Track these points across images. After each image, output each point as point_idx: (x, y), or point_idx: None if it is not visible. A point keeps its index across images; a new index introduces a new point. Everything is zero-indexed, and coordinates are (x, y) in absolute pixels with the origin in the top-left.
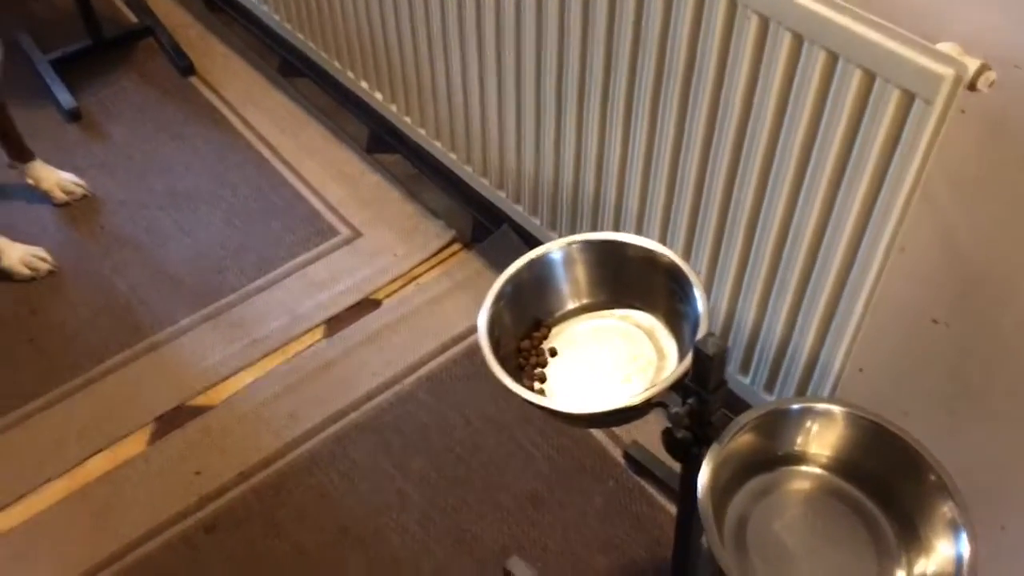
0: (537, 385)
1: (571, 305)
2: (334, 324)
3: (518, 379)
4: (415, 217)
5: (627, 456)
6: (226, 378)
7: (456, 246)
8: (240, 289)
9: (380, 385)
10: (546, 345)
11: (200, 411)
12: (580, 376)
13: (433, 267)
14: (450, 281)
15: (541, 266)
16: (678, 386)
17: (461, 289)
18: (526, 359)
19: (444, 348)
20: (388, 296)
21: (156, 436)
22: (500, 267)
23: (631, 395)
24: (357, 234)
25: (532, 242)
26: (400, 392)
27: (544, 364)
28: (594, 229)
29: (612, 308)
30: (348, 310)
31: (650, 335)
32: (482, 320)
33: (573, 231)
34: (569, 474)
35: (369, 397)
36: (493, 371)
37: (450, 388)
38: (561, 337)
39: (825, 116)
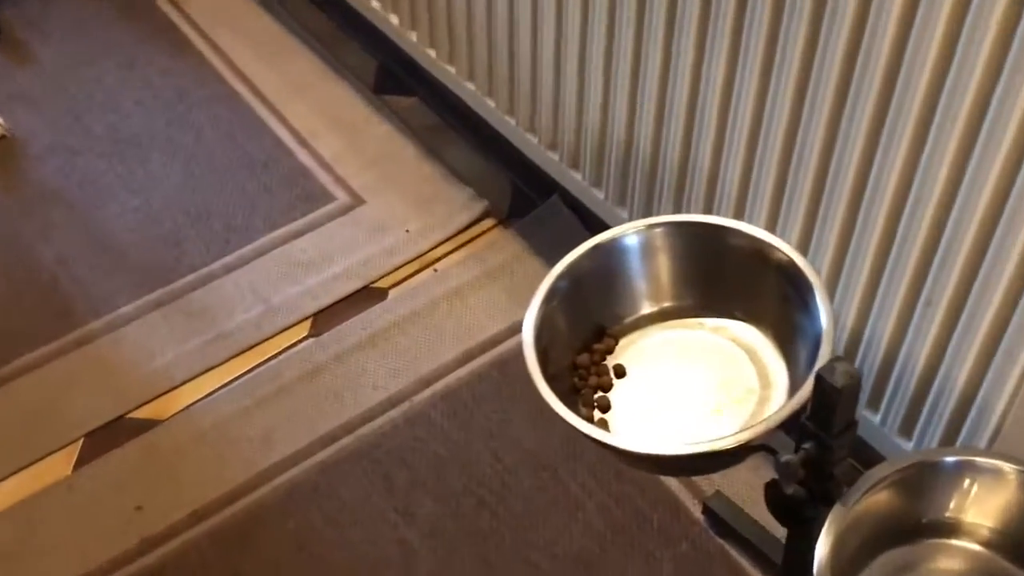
0: (597, 414)
1: (647, 309)
2: (324, 319)
3: (572, 405)
4: (435, 182)
5: (708, 511)
6: (180, 385)
7: (488, 222)
8: (202, 268)
9: (383, 402)
10: (611, 361)
11: (145, 426)
12: (654, 404)
13: (457, 248)
14: (479, 268)
15: (609, 255)
16: (790, 426)
17: (493, 279)
18: (583, 379)
19: (469, 357)
20: (396, 285)
21: (86, 457)
22: (547, 252)
23: (724, 434)
24: (358, 201)
25: (591, 222)
26: (408, 412)
27: (607, 387)
28: (676, 209)
29: (702, 316)
30: (343, 301)
31: (752, 355)
32: (529, 323)
33: (648, 210)
34: (629, 531)
35: (367, 417)
36: (540, 392)
37: (475, 411)
38: (631, 352)
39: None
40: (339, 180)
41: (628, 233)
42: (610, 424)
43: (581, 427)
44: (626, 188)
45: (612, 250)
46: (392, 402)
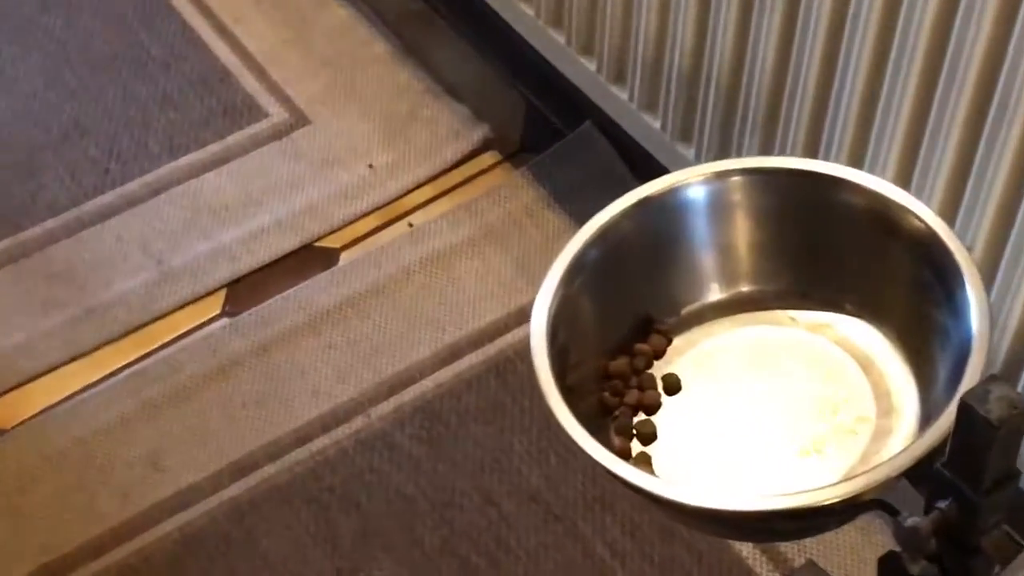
0: (636, 446)
1: (715, 296)
2: (244, 291)
3: (599, 431)
4: (414, 95)
5: None
6: (31, 380)
7: (490, 157)
8: (68, 211)
9: (326, 415)
10: (659, 371)
11: None
12: (719, 435)
13: (442, 195)
14: (474, 225)
15: (663, 214)
16: (919, 474)
17: (494, 242)
18: (618, 394)
19: (454, 354)
20: (351, 245)
21: None
22: (574, 205)
23: (821, 482)
24: (301, 120)
25: (640, 163)
26: (363, 432)
27: (653, 406)
28: (766, 151)
29: (796, 307)
30: (273, 266)
31: (867, 367)
32: (541, 311)
33: (725, 150)
34: None
35: (303, 437)
36: (552, 411)
37: (459, 433)
38: (690, 357)
39: None
40: (274, 88)
41: (692, 182)
42: (655, 462)
43: (611, 465)
44: (693, 116)
45: (667, 206)
46: (340, 416)
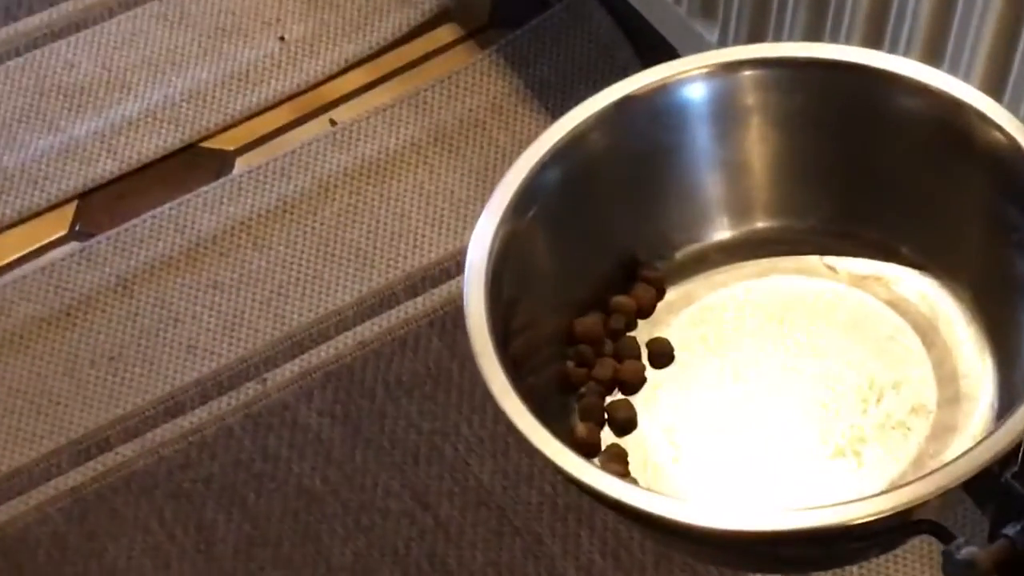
0: (608, 437)
1: (721, 232)
2: (101, 205)
3: (558, 417)
4: None
5: None
6: None
7: (449, 32)
8: None
9: (204, 379)
10: (643, 334)
11: None
12: (720, 425)
13: (379, 81)
14: (421, 123)
15: (651, 120)
16: (983, 487)
17: (448, 148)
18: (586, 363)
19: (382, 303)
20: (251, 147)
21: None
22: (560, 102)
23: (853, 495)
24: None
25: (650, 46)
26: (255, 404)
27: (633, 382)
28: (812, 37)
29: (831, 251)
30: (142, 173)
31: (928, 336)
32: (477, 254)
33: (758, 34)
34: None
35: (171, 409)
36: (490, 389)
37: (383, 408)
38: (684, 317)
39: None
40: None
41: (693, 77)
42: (632, 459)
43: (564, 462)
44: None
45: (658, 110)
46: (224, 382)
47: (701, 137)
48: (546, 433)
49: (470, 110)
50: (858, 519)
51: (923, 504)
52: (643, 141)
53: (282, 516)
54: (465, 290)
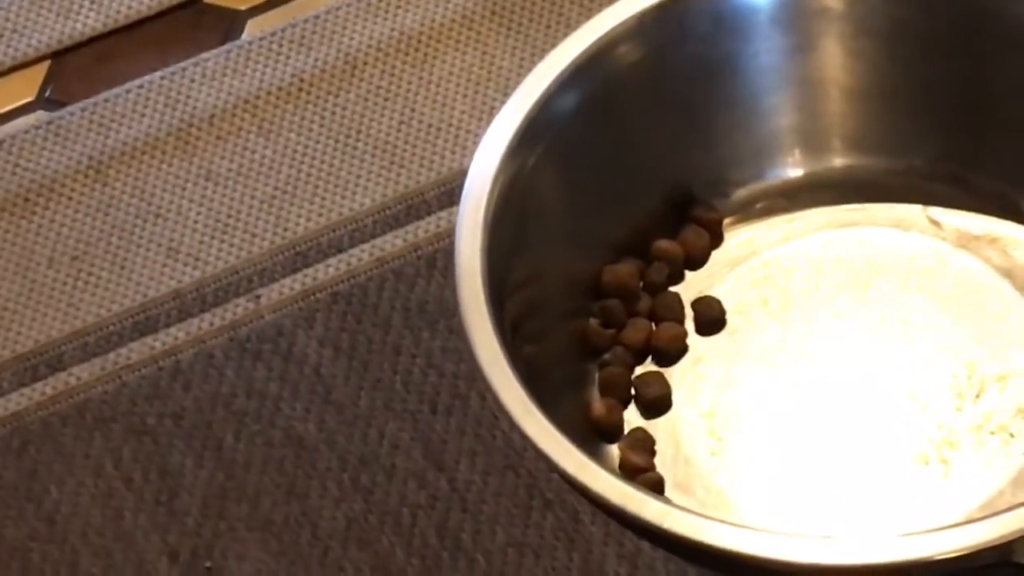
0: (634, 419)
1: (791, 169)
2: (79, 68)
3: (572, 386)
4: None
5: None
6: None
7: None
8: None
9: (184, 290)
10: (689, 292)
11: None
12: (775, 413)
13: None
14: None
15: (697, 28)
16: None
17: (500, 20)
18: (613, 323)
19: (388, 221)
20: (263, 8)
21: None
22: None
23: (935, 518)
24: None
25: None
26: (243, 324)
27: (672, 351)
28: None
29: (934, 200)
30: (129, 31)
31: None
32: (477, 186)
33: None
34: None
35: (141, 324)
36: (476, 356)
37: (391, 334)
38: (741, 273)
39: None
40: None
41: None
42: (660, 450)
43: (560, 458)
44: None
45: (715, 12)
46: (209, 295)
47: (768, 48)
48: (550, 427)
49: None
50: (935, 556)
51: (1019, 539)
52: (691, 53)
53: (264, 466)
54: (458, 234)
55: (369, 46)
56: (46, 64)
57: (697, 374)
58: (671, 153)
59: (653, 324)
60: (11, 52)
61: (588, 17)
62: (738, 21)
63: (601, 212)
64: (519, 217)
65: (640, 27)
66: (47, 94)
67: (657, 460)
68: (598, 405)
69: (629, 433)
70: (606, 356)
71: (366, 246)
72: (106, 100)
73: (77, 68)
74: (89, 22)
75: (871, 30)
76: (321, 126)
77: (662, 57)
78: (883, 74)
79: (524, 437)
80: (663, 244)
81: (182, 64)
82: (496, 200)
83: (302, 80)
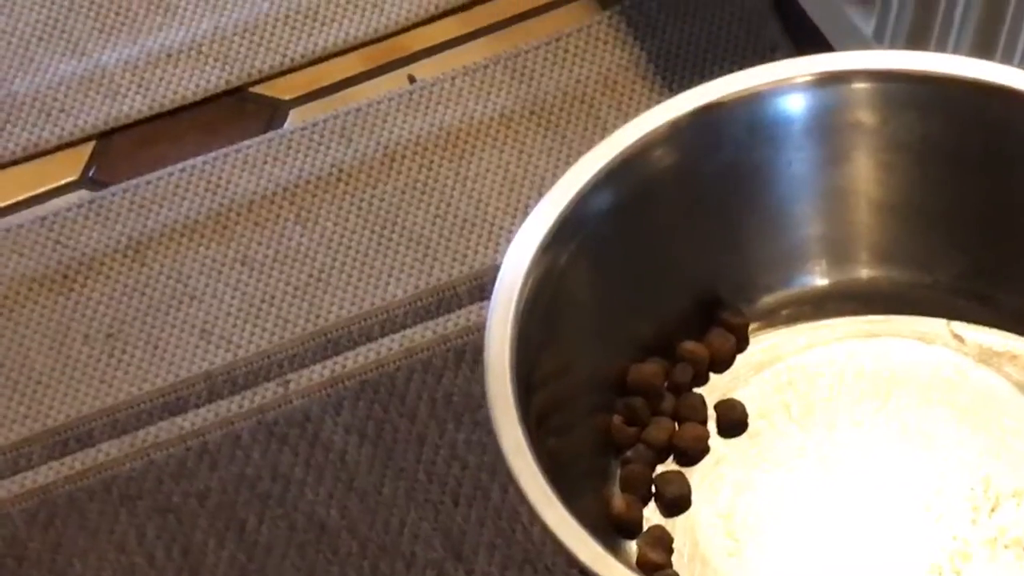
0: (653, 516)
1: (816, 278)
2: (123, 150)
3: (592, 482)
4: None
5: None
6: None
7: None
8: None
9: (215, 373)
10: (713, 394)
11: None
12: (793, 518)
13: (472, 36)
14: (518, 89)
15: (732, 136)
16: None
17: (545, 121)
18: (636, 421)
19: (419, 313)
20: (306, 99)
21: None
22: (688, 78)
23: None
24: None
25: (803, 30)
26: (273, 409)
27: (694, 451)
28: (987, 34)
29: (959, 315)
30: (175, 115)
31: None
32: (510, 277)
33: (920, 37)
34: None
35: (171, 405)
36: (503, 452)
37: (425, 434)
38: (764, 378)
39: None
40: None
41: (796, 83)
42: (678, 550)
43: (582, 553)
44: None
45: (741, 124)
46: (239, 378)
47: (801, 158)
48: (572, 521)
49: (577, 81)
50: None
51: None
52: (725, 159)
53: (286, 550)
54: (488, 326)
55: (408, 140)
56: (91, 144)
57: (717, 475)
58: (701, 256)
59: (676, 424)
60: (57, 131)
61: (624, 121)
62: (773, 130)
63: (630, 311)
64: (549, 312)
65: (674, 133)
66: (91, 174)
67: (674, 558)
68: (618, 501)
69: (648, 530)
70: (628, 453)
71: (396, 336)
72: (148, 182)
73: (121, 150)
74: (135, 105)
75: (902, 145)
76: (358, 216)
77: (696, 162)
78: (912, 189)
79: (544, 527)
80: (689, 346)
81: (224, 150)
82: (527, 295)
83: (341, 171)
